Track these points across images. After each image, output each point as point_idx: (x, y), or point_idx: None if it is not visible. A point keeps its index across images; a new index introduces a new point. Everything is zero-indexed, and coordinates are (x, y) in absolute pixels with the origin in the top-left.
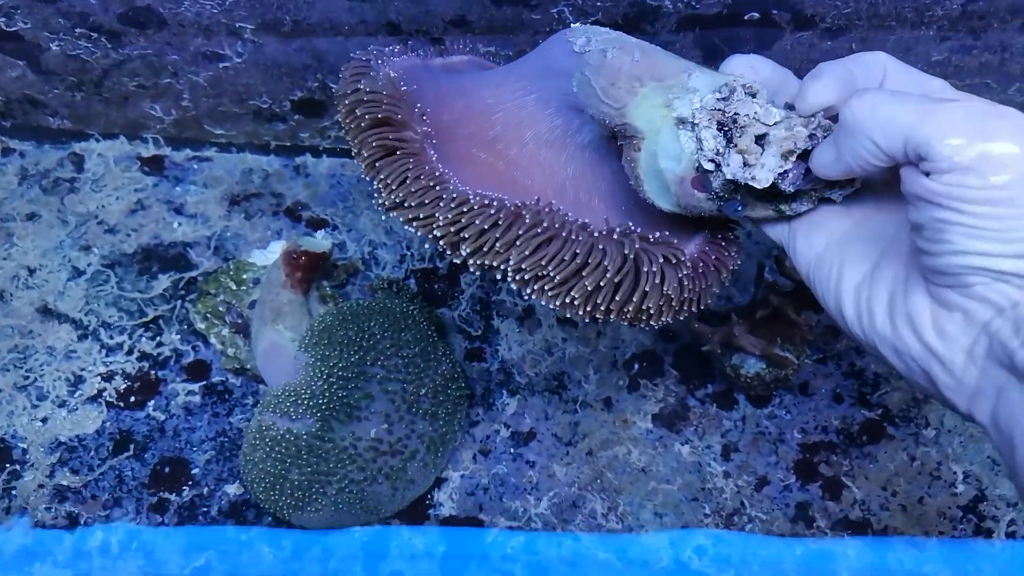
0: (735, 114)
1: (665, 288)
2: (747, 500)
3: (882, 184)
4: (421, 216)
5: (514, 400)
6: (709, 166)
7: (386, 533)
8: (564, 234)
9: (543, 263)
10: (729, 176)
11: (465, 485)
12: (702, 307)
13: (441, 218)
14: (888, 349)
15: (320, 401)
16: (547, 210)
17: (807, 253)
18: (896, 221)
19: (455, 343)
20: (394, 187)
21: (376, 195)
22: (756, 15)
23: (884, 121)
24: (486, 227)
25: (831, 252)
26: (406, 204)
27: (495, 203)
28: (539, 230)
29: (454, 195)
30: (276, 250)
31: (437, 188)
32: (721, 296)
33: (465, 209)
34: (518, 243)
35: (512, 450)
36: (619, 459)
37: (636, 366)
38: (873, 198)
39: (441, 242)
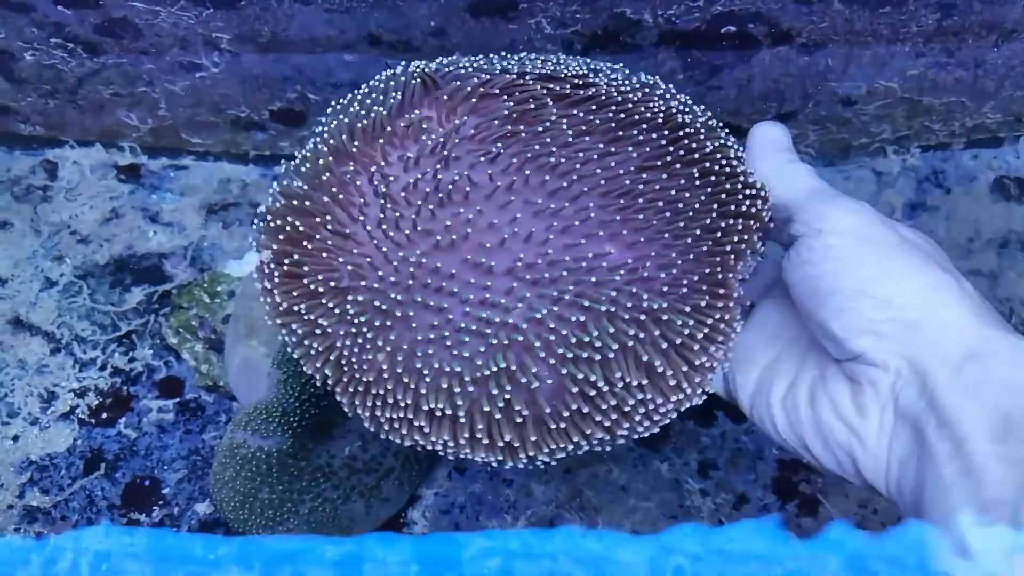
0: None
1: None
2: (725, 519)
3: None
4: None
5: None
6: None
7: (359, 551)
8: None
9: None
10: None
11: (440, 503)
12: None
13: None
14: (816, 440)
15: (292, 419)
16: None
17: (747, 388)
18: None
19: None
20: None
21: None
22: (732, 28)
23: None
24: None
25: (763, 378)
26: None
27: None
28: None
29: None
30: (252, 261)
31: None
32: None
33: None
34: None
35: (489, 468)
36: (599, 477)
37: None
38: (784, 312)
39: None
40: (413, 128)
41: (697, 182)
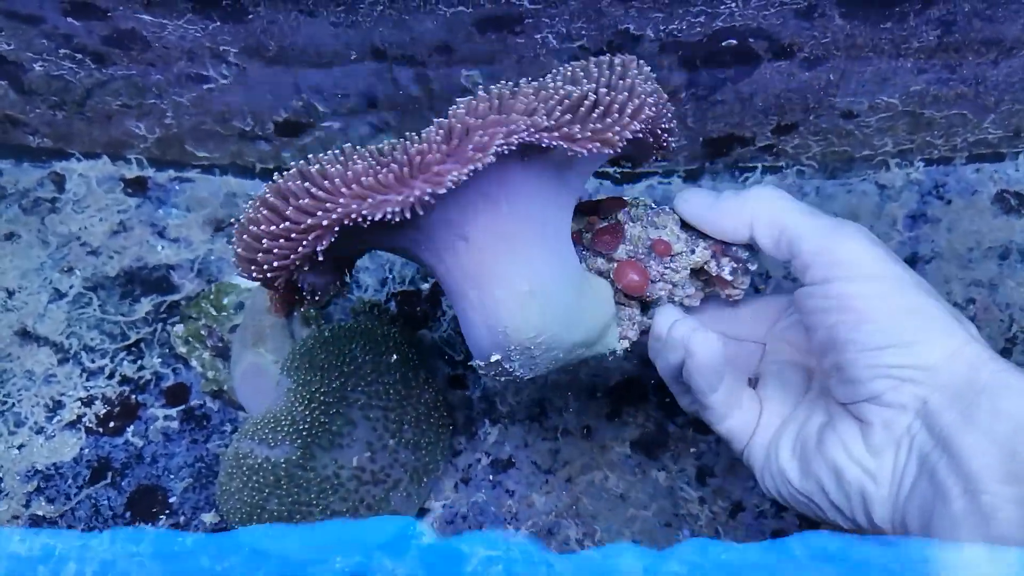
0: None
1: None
2: (722, 527)
3: (792, 360)
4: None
5: (495, 429)
6: None
7: (367, 563)
8: None
9: None
10: None
11: (446, 515)
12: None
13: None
14: (830, 482)
15: (301, 427)
16: None
17: (758, 461)
18: (820, 380)
19: (438, 369)
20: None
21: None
22: (734, 43)
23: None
24: None
25: (770, 444)
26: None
27: None
28: None
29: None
30: None
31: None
32: None
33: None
34: None
35: (491, 478)
36: (596, 485)
37: (619, 393)
38: (788, 375)
39: None
40: None
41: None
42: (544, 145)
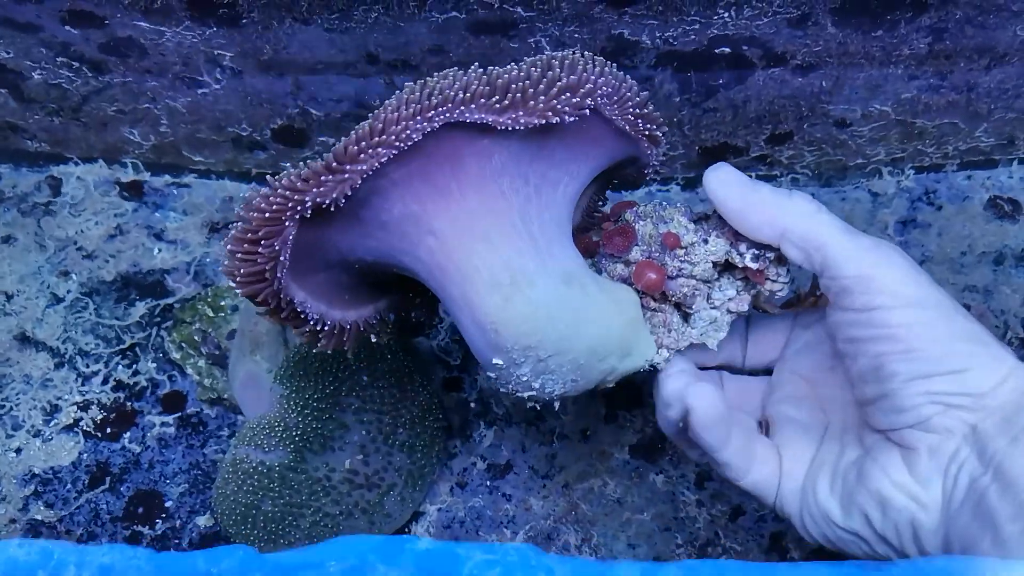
0: None
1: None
2: (721, 531)
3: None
4: None
5: (491, 432)
6: None
7: (361, 566)
8: None
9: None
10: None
11: (442, 518)
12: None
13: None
14: (876, 513)
15: (294, 432)
16: None
17: (794, 507)
18: (839, 411)
19: (433, 373)
20: None
21: None
22: (727, 50)
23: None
24: None
25: (804, 488)
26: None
27: None
28: None
29: None
30: None
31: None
32: None
33: None
34: None
35: (488, 483)
36: (595, 491)
37: (614, 397)
38: (808, 412)
39: None
40: None
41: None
42: (466, 120)
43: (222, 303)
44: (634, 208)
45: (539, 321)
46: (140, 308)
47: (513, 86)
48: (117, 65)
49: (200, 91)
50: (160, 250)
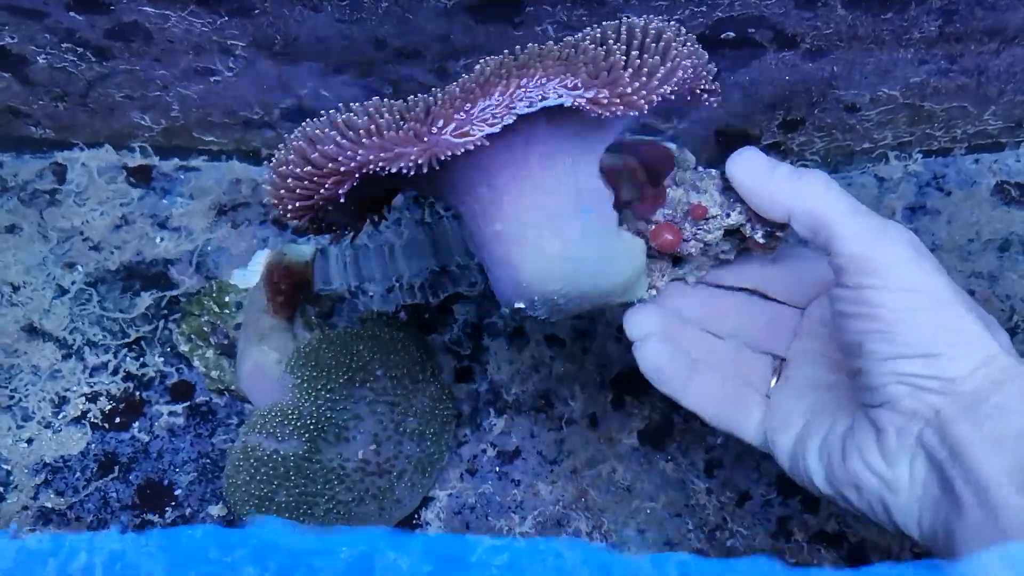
0: None
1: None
2: (729, 516)
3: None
4: None
5: (501, 419)
6: None
7: (371, 553)
8: None
9: None
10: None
11: (452, 504)
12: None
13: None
14: (851, 490)
15: (309, 422)
16: None
17: (785, 449)
18: (846, 379)
19: (444, 363)
20: None
21: None
22: (731, 34)
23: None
24: None
25: (799, 439)
26: None
27: None
28: None
29: None
30: (259, 261)
31: None
32: None
33: None
34: None
35: (498, 469)
36: (603, 477)
37: (621, 383)
38: (817, 365)
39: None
40: None
41: None
42: (568, 106)
43: (227, 298)
44: (672, 173)
45: (567, 279)
46: (146, 299)
47: (623, 77)
48: (122, 51)
49: (213, 79)
50: (163, 239)
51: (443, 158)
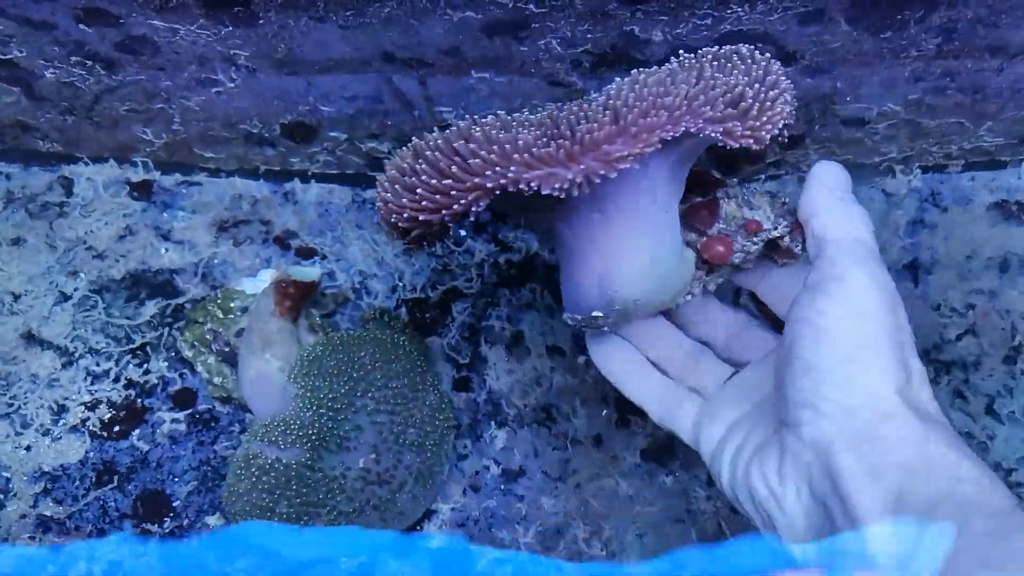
0: None
1: None
2: (724, 521)
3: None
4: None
5: (503, 433)
6: None
7: (372, 563)
8: None
9: None
10: None
11: (456, 518)
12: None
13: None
14: (745, 496)
15: (311, 431)
16: None
17: (711, 441)
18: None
19: (442, 371)
20: None
21: None
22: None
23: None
24: None
25: (725, 436)
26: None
27: None
28: None
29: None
30: (265, 278)
31: None
32: None
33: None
34: None
35: (503, 486)
36: (605, 490)
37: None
38: (761, 374)
39: None
40: None
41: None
42: (703, 135)
43: (232, 304)
44: (724, 188)
45: (651, 290)
46: (151, 307)
47: (752, 111)
48: (131, 63)
49: (214, 90)
50: (167, 250)
51: (595, 180)
